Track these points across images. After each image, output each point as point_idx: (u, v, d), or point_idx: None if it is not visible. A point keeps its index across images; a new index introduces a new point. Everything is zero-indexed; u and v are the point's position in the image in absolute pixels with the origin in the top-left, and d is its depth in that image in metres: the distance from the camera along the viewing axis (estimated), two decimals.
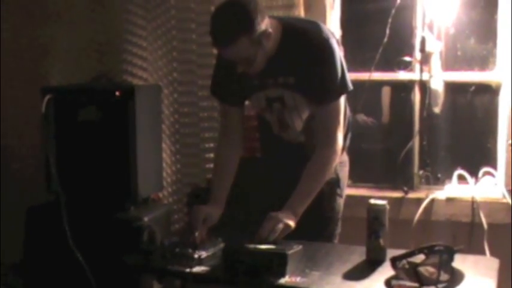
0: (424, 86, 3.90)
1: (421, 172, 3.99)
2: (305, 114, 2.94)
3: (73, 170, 3.47)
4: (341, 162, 3.09)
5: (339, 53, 2.86)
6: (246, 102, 3.10)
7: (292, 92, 2.86)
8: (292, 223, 2.68)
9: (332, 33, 2.92)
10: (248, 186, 3.03)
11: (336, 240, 3.11)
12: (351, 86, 2.90)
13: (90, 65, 4.07)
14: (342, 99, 2.88)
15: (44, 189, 3.51)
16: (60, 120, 3.45)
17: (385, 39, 3.82)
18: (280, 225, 2.63)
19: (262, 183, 3.08)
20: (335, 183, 3.07)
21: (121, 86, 3.66)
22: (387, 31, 3.81)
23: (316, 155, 2.84)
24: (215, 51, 3.21)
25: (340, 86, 2.84)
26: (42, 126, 3.32)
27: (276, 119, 3.00)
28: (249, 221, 2.67)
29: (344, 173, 3.16)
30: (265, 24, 2.68)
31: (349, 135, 3.14)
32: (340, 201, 3.13)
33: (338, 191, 3.10)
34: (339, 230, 3.13)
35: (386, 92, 4.12)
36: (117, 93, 3.41)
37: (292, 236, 2.69)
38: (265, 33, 2.68)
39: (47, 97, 3.30)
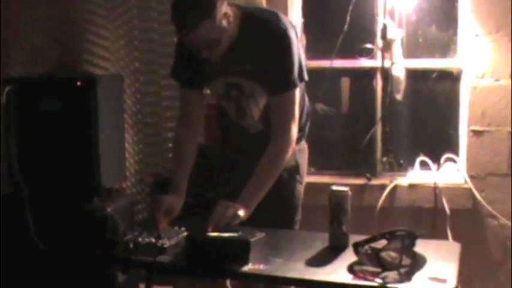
0: (385, 73, 3.92)
1: (383, 159, 4.03)
2: (262, 103, 2.93)
3: (35, 161, 3.44)
4: (300, 149, 3.09)
5: (297, 44, 2.86)
6: (207, 91, 3.10)
7: (249, 79, 2.86)
8: (243, 210, 2.68)
9: (291, 24, 2.91)
10: (207, 175, 3.03)
11: (296, 227, 3.11)
12: (306, 77, 2.92)
13: (51, 55, 4.03)
14: (297, 91, 2.88)
15: (5, 181, 3.47)
16: (21, 111, 3.41)
17: (346, 27, 3.84)
18: (231, 211, 2.63)
19: (222, 172, 3.07)
20: (295, 170, 3.07)
21: (82, 75, 3.62)
22: (348, 18, 3.82)
23: (269, 147, 2.83)
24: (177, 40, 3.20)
25: (296, 78, 2.84)
26: (2, 117, 3.28)
27: (233, 106, 2.99)
28: (209, 210, 2.66)
29: (303, 160, 3.16)
30: (224, 7, 2.69)
31: (307, 125, 3.14)
32: (300, 188, 3.13)
33: (298, 177, 3.10)
34: (299, 216, 3.13)
35: (345, 82, 4.13)
36: (78, 83, 3.38)
37: (253, 222, 2.70)
38: (225, 15, 2.69)
39: (8, 88, 3.26)
